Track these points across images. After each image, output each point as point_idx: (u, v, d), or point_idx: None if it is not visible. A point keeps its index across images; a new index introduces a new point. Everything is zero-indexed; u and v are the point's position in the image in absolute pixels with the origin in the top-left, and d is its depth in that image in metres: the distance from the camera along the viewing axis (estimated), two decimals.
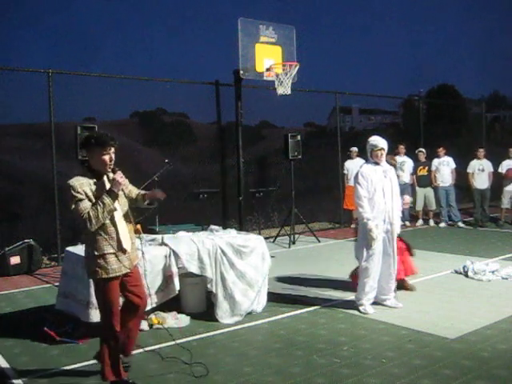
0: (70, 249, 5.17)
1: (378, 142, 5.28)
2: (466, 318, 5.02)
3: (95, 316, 4.49)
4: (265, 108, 11.34)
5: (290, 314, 5.30)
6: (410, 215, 11.83)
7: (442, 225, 11.27)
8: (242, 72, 8.47)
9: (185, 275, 5.21)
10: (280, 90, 8.36)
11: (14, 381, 3.91)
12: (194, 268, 5.02)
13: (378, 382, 3.69)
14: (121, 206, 3.60)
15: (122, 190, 3.60)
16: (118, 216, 3.55)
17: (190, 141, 11.86)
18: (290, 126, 13.90)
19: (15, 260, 7.66)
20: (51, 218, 8.26)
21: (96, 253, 3.50)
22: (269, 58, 8.65)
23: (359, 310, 5.28)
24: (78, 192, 3.40)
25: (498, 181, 11.17)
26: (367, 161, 5.43)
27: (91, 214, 3.37)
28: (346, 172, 11.49)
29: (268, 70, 8.57)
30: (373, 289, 5.31)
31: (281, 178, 11.16)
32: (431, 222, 11.57)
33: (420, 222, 11.67)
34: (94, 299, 4.48)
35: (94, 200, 3.43)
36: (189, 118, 14.01)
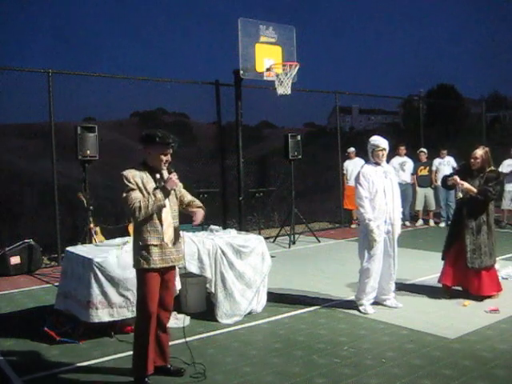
0: (70, 249, 5.17)
1: (380, 142, 5.28)
2: (466, 317, 5.02)
3: (96, 316, 4.50)
4: (265, 108, 11.34)
5: (290, 314, 5.30)
6: (410, 215, 11.85)
7: (442, 225, 11.26)
8: (242, 72, 8.47)
9: (185, 275, 5.21)
10: (280, 90, 8.35)
11: (14, 381, 3.91)
12: (193, 268, 5.01)
13: (378, 382, 3.69)
14: (171, 206, 3.75)
15: (174, 191, 3.75)
16: (166, 213, 3.69)
17: (190, 141, 11.85)
18: (290, 126, 13.89)
19: (15, 260, 7.66)
20: (51, 218, 8.26)
21: (141, 243, 3.65)
22: (269, 58, 8.64)
23: (359, 310, 5.28)
24: (130, 182, 3.58)
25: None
26: (368, 161, 5.42)
27: (142, 204, 3.52)
28: (345, 172, 11.51)
29: (268, 70, 8.57)
30: (373, 289, 5.32)
31: (281, 178, 11.16)
32: (431, 222, 11.58)
33: (420, 221, 11.68)
34: (94, 299, 4.50)
35: (144, 191, 3.59)
36: (189, 118, 14.00)
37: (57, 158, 8.16)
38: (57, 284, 6.37)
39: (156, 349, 3.84)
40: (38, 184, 9.53)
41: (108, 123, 11.79)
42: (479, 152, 5.58)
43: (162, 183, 3.68)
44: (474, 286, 5.57)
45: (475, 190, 5.47)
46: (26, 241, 7.87)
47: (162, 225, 3.67)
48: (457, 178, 5.53)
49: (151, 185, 3.66)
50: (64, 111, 8.38)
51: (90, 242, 6.85)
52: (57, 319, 4.84)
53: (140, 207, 3.51)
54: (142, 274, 3.68)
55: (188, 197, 3.98)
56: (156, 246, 3.66)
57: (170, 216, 3.74)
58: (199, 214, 3.88)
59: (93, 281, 4.53)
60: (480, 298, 5.53)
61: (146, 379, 3.70)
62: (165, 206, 3.66)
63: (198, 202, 4.00)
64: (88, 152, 7.39)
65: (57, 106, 8.13)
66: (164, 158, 3.69)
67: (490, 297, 5.56)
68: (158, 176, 3.72)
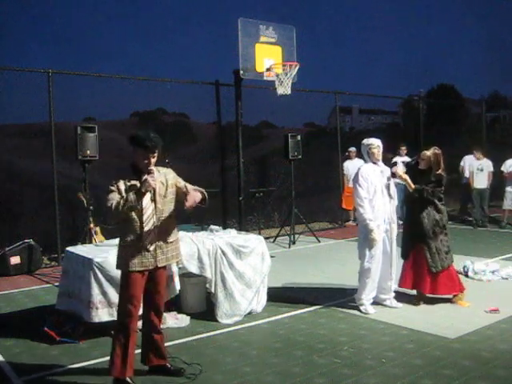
0: (70, 249, 5.17)
1: (373, 140, 5.36)
2: (466, 317, 5.02)
3: (96, 316, 4.50)
4: (265, 108, 11.34)
5: (290, 314, 5.30)
6: None
7: None
8: (242, 72, 8.47)
9: (185, 275, 5.21)
10: (280, 90, 8.35)
11: (14, 381, 3.91)
12: (193, 268, 5.01)
13: (378, 381, 3.69)
14: (157, 208, 3.66)
15: (166, 190, 3.68)
16: (148, 215, 3.62)
17: (190, 141, 11.85)
18: (290, 126, 13.89)
19: (15, 260, 7.66)
20: (51, 218, 8.26)
21: (122, 245, 3.67)
22: (269, 58, 8.64)
23: (360, 310, 5.28)
24: (112, 185, 3.58)
25: (501, 181, 11.14)
26: (365, 162, 5.44)
27: (113, 205, 3.49)
28: (345, 173, 11.51)
29: (268, 69, 8.56)
30: (373, 289, 5.32)
31: (281, 178, 11.16)
32: None
33: None
34: (94, 299, 4.50)
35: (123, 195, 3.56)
36: (189, 118, 14.00)
37: (57, 158, 8.16)
38: (57, 284, 6.37)
39: (151, 349, 3.85)
40: (38, 184, 9.53)
41: (108, 123, 11.79)
42: (427, 153, 5.50)
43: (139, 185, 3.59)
44: (427, 286, 5.40)
45: (413, 187, 5.40)
46: (26, 241, 7.87)
47: (142, 228, 3.60)
48: (399, 170, 5.48)
49: (132, 187, 3.59)
50: (64, 111, 8.38)
51: (90, 242, 6.85)
52: (57, 319, 4.84)
53: (111, 208, 3.48)
54: (124, 275, 3.66)
55: (189, 186, 3.80)
56: (135, 249, 3.60)
57: (153, 219, 3.64)
58: (191, 197, 3.64)
59: (93, 281, 4.52)
60: (450, 298, 5.46)
61: (128, 379, 3.65)
62: (137, 209, 3.55)
63: (195, 187, 3.81)
64: (88, 152, 7.39)
65: (57, 106, 8.13)
66: (145, 162, 3.59)
67: (454, 298, 5.46)
68: (144, 178, 3.60)
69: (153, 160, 3.62)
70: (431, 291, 5.43)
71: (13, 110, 8.48)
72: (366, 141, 5.39)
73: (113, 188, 3.57)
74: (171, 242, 3.78)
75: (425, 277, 5.40)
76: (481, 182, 11.07)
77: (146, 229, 3.61)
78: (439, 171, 5.48)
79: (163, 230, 3.71)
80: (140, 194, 3.53)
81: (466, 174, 11.49)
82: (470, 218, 11.70)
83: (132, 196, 3.50)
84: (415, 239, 5.47)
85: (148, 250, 3.63)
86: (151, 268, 3.67)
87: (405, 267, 5.56)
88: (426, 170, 5.51)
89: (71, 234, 8.74)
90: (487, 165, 11.13)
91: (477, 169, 11.11)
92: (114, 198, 3.52)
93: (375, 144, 5.30)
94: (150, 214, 3.64)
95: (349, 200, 11.27)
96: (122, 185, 3.59)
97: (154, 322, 3.83)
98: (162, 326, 4.73)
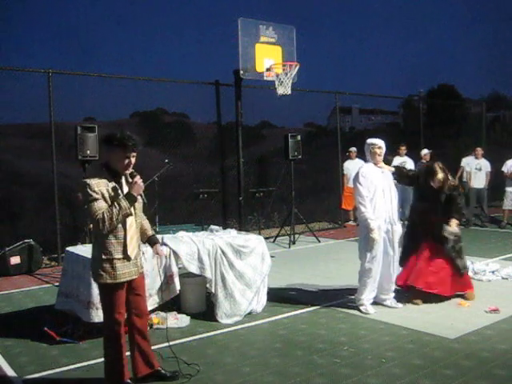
0: (70, 249, 5.17)
1: (376, 140, 5.38)
2: (466, 317, 5.02)
3: (96, 316, 4.50)
4: (265, 108, 11.34)
5: (290, 314, 5.30)
6: None
7: None
8: (242, 72, 8.47)
9: (185, 275, 5.21)
10: (280, 90, 8.35)
11: (14, 381, 3.91)
12: (193, 268, 5.02)
13: (378, 382, 3.69)
14: (136, 211, 3.52)
15: (140, 195, 3.49)
16: (130, 221, 3.45)
17: (190, 141, 11.86)
18: (289, 125, 13.91)
19: (15, 260, 7.66)
20: (51, 218, 8.26)
21: (104, 256, 3.40)
22: (269, 58, 8.65)
23: (360, 310, 5.28)
24: (94, 191, 3.29)
25: (501, 181, 11.13)
26: (366, 161, 5.45)
27: (106, 215, 3.26)
28: (345, 173, 11.51)
29: (268, 70, 8.57)
30: (374, 289, 5.33)
31: (281, 178, 11.18)
32: None
33: None
34: (94, 299, 4.50)
35: (109, 200, 3.32)
36: (189, 118, 14.01)
37: (57, 158, 8.16)
38: (57, 284, 6.38)
39: (139, 358, 3.68)
40: (38, 184, 9.54)
41: (108, 123, 11.79)
42: (440, 176, 5.55)
43: (127, 189, 3.42)
44: (452, 287, 5.57)
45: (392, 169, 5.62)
46: (26, 241, 7.87)
47: (126, 236, 3.42)
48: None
49: (118, 192, 3.39)
50: (64, 111, 8.38)
51: (90, 242, 6.85)
52: (57, 319, 4.85)
53: (104, 218, 3.25)
54: (107, 288, 3.45)
55: (143, 220, 3.76)
56: (120, 259, 3.41)
57: (134, 225, 3.49)
58: (159, 251, 3.84)
59: (92, 281, 4.51)
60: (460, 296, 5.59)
61: (129, 381, 3.58)
62: (131, 215, 3.41)
63: (148, 227, 3.83)
64: (88, 152, 7.39)
65: (57, 106, 8.13)
66: (126, 162, 3.40)
67: (463, 296, 5.58)
68: (123, 181, 3.46)
69: (133, 160, 3.45)
70: (456, 290, 5.61)
71: (13, 110, 8.49)
72: (369, 140, 5.42)
73: (96, 195, 3.29)
74: (140, 250, 3.67)
75: (448, 279, 5.55)
76: (479, 181, 11.06)
77: (128, 237, 3.44)
78: (450, 182, 5.63)
79: (138, 236, 3.59)
80: (132, 199, 3.36)
81: (464, 175, 11.47)
82: (464, 219, 11.70)
83: (125, 203, 3.30)
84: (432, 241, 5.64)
85: (130, 259, 3.46)
86: (135, 277, 3.54)
87: (421, 271, 5.52)
88: (438, 188, 5.60)
89: (71, 233, 8.75)
90: (485, 164, 11.12)
91: (475, 168, 11.10)
92: (102, 207, 3.28)
93: (378, 144, 5.31)
94: (132, 219, 3.47)
95: (348, 200, 11.28)
96: (105, 191, 3.34)
97: (138, 326, 3.66)
98: (162, 326, 4.76)
